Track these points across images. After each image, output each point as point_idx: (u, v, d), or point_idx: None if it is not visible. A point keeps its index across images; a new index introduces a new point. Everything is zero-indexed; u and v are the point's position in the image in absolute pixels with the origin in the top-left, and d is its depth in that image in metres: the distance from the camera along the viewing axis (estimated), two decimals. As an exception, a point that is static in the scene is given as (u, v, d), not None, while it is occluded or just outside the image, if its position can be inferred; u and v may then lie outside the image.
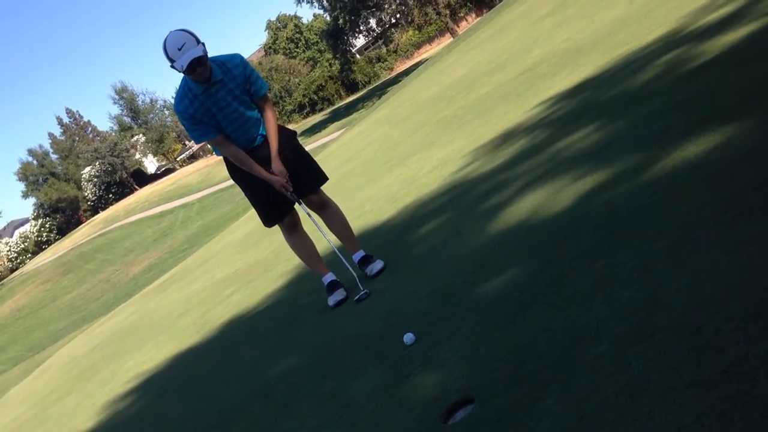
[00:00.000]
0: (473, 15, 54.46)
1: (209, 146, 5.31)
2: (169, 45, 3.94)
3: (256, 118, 4.33)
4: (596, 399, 1.84)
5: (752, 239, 2.10)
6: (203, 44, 4.00)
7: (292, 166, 4.34)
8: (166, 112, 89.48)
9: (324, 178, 4.56)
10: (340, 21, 57.96)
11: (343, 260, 4.44)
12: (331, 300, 4.39)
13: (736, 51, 4.01)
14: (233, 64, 4.20)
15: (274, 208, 4.49)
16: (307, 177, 4.46)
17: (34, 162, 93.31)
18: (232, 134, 4.26)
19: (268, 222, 4.64)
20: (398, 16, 55.72)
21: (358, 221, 6.93)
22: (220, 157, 4.52)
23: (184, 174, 71.61)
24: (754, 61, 3.65)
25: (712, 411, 1.53)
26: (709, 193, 2.57)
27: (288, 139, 4.46)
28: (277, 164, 4.26)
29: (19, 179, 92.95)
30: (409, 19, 53.76)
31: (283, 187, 4.26)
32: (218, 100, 4.15)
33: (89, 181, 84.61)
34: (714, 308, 1.89)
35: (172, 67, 3.98)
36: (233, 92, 4.17)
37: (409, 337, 3.02)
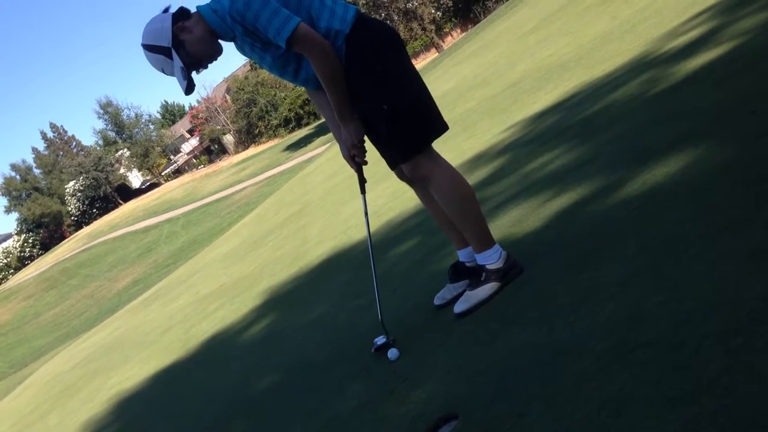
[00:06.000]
0: (458, 30, 54.83)
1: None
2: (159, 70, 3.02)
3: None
4: (579, 414, 1.84)
5: (733, 254, 2.11)
6: (169, 47, 2.86)
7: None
8: (151, 127, 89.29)
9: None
10: (326, 36, 58.01)
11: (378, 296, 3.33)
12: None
13: (717, 67, 4.06)
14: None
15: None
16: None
17: (17, 177, 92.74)
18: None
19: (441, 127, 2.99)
20: (384, 31, 55.89)
21: (343, 236, 6.93)
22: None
23: (169, 188, 71.32)
24: (734, 77, 3.70)
25: (694, 426, 1.54)
26: (690, 208, 2.58)
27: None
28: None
29: (2, 194, 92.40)
30: (395, 35, 53.94)
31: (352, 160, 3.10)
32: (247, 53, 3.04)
33: (73, 195, 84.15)
34: (695, 323, 1.90)
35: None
36: (256, 47, 2.95)
37: (393, 353, 3.02)
